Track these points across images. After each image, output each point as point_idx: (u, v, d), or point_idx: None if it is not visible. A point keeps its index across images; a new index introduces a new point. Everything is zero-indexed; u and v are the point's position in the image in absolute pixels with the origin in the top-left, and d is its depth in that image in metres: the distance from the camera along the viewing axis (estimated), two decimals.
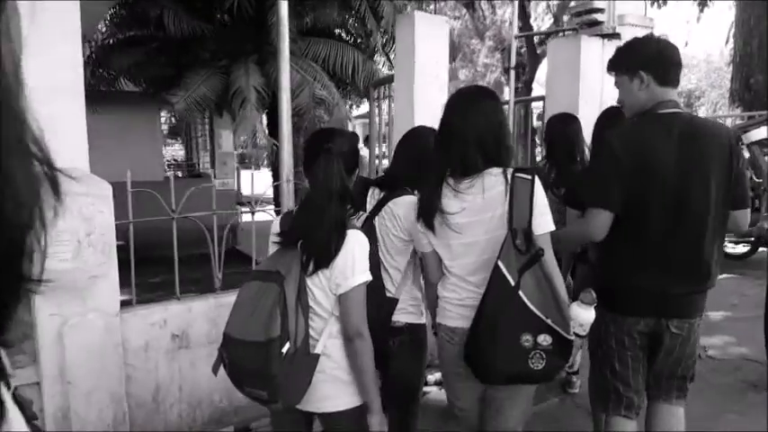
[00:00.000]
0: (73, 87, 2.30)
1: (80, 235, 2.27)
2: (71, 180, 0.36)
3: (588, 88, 3.84)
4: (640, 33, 4.80)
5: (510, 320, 1.44)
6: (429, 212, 1.60)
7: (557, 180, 2.75)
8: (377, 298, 1.74)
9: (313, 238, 1.44)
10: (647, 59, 1.68)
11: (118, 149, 8.45)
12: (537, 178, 1.52)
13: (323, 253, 1.43)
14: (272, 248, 1.58)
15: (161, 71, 6.39)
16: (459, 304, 1.62)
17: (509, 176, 1.51)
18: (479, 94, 1.63)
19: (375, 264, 1.72)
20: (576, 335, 1.57)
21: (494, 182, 1.53)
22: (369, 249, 1.48)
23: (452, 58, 17.14)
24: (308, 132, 6.32)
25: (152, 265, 3.29)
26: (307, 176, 1.52)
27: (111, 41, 6.60)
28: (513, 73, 5.68)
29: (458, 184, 1.56)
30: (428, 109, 3.41)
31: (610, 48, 4.23)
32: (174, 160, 17.13)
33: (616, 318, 1.77)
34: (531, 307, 1.44)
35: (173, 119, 12.04)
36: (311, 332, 1.46)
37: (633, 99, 1.73)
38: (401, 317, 1.85)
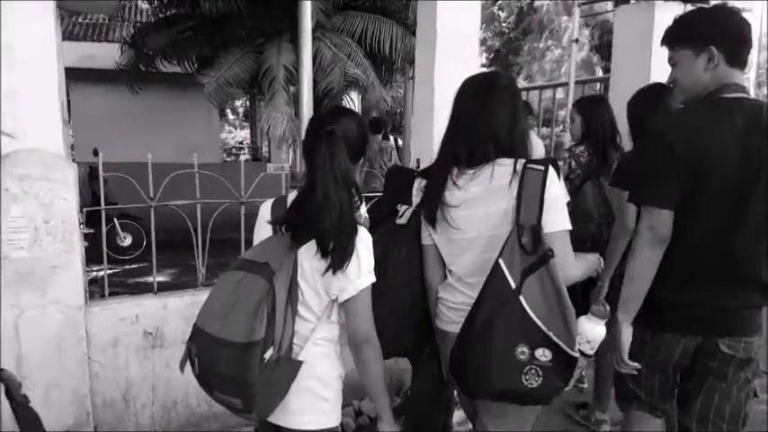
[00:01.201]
0: (42, 57, 2.15)
1: (37, 222, 2.15)
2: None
3: (663, 65, 3.27)
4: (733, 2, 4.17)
5: (505, 327, 1.34)
6: (430, 204, 1.53)
7: (600, 168, 2.53)
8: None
9: (335, 238, 1.30)
10: (721, 33, 1.49)
11: (174, 131, 8.71)
12: (552, 169, 1.40)
13: (346, 255, 1.31)
14: (259, 237, 1.46)
15: (197, 51, 6.36)
16: (453, 308, 1.56)
17: (519, 167, 1.41)
18: (492, 80, 1.55)
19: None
20: (582, 353, 1.45)
21: (502, 173, 1.44)
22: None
23: (540, 35, 16.42)
24: None
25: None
26: (306, 161, 1.38)
27: (152, 20, 6.65)
28: (575, 47, 5.15)
29: (462, 174, 1.49)
30: (451, 88, 3.03)
31: None
32: (240, 144, 17.53)
33: (648, 335, 1.60)
34: (532, 315, 1.34)
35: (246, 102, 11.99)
36: (295, 337, 1.36)
37: (695, 79, 1.53)
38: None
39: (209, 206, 2.62)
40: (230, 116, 20.62)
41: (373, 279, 1.37)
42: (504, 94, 1.50)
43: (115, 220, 6.63)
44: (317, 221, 1.30)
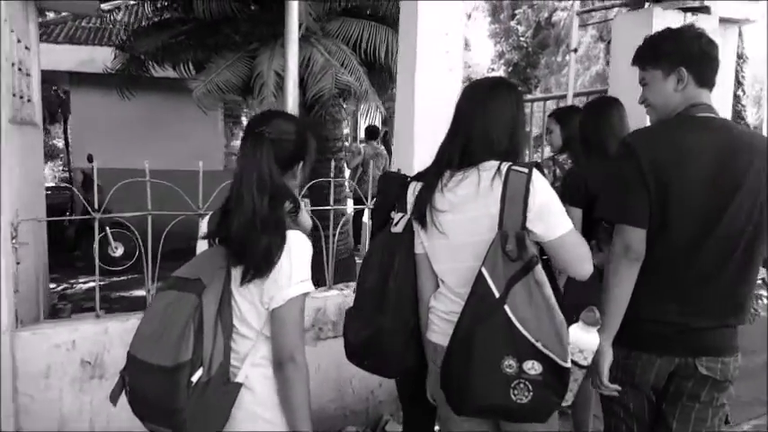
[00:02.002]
0: None
1: None
2: None
3: None
4: (736, 9, 3.90)
5: (490, 339, 1.31)
6: (420, 208, 1.51)
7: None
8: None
9: (245, 240, 1.26)
10: (691, 54, 1.54)
11: (176, 137, 8.57)
12: (536, 172, 1.39)
13: (262, 260, 1.26)
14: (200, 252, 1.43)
15: (191, 55, 6.22)
16: (444, 318, 1.52)
17: (503, 169, 1.40)
18: (494, 85, 1.56)
19: None
20: (576, 364, 1.42)
21: (488, 176, 1.42)
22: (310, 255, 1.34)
23: (557, 49, 16.30)
24: (327, 123, 5.87)
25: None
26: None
27: (145, 24, 6.53)
28: (573, 57, 4.89)
29: (452, 177, 1.47)
30: (433, 93, 2.82)
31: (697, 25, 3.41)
32: None
33: (629, 354, 1.57)
34: (518, 326, 1.31)
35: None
36: (233, 356, 1.30)
37: (664, 100, 1.58)
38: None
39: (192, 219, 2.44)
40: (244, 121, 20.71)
41: (308, 289, 1.31)
42: (503, 97, 1.50)
43: (107, 229, 6.50)
44: (228, 225, 1.27)
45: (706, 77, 1.56)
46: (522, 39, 17.14)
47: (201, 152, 4.72)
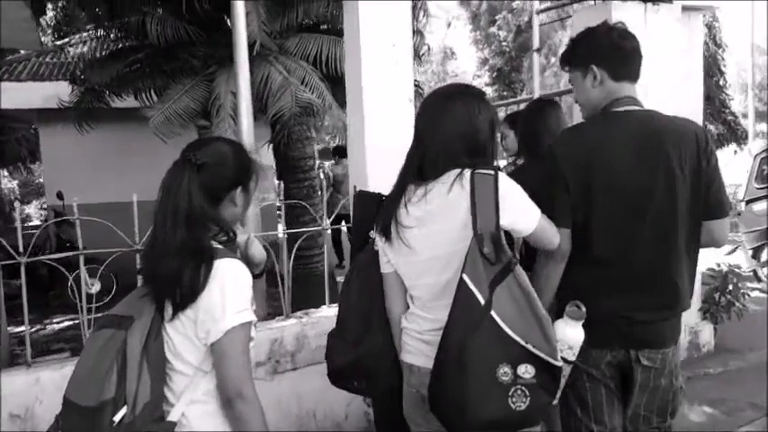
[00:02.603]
0: None
1: None
2: None
3: None
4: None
5: (482, 349, 1.28)
6: (384, 225, 1.49)
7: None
8: None
9: (163, 271, 1.23)
10: (599, 52, 1.61)
11: (150, 168, 8.21)
12: (501, 173, 1.40)
13: (181, 290, 1.21)
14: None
15: (148, 83, 6.09)
16: (418, 338, 1.50)
17: (466, 174, 1.38)
18: (456, 92, 1.52)
19: None
20: (565, 360, 1.42)
21: (451, 185, 1.40)
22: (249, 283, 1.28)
23: (538, 51, 16.44)
24: (294, 142, 5.76)
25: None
26: None
27: (99, 55, 6.39)
28: (536, 57, 4.87)
29: (416, 190, 1.45)
30: (382, 107, 2.72)
31: (657, 17, 3.37)
32: None
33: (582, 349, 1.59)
34: (507, 330, 1.30)
35: None
36: (168, 393, 1.26)
37: (586, 97, 1.66)
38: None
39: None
40: None
41: (246, 319, 1.24)
42: (461, 105, 1.45)
43: (81, 266, 6.26)
44: (155, 259, 1.26)
45: (621, 71, 1.59)
46: (503, 44, 17.31)
47: None
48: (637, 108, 1.58)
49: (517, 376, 1.28)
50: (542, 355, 1.30)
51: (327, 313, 2.79)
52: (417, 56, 6.42)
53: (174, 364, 1.26)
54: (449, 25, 18.00)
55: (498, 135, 2.14)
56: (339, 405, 2.58)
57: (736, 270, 4.24)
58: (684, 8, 3.62)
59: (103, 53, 6.29)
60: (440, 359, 1.34)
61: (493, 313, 1.29)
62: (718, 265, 4.24)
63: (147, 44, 5.89)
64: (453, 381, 1.30)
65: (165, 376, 1.26)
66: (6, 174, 16.56)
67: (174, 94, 5.50)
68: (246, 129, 3.81)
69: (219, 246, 1.29)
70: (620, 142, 1.53)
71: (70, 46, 7.04)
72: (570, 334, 1.46)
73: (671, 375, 1.63)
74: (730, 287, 4.13)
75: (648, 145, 1.51)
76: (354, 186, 2.64)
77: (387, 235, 1.49)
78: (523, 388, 1.29)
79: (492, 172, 1.38)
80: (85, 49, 6.57)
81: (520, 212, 1.42)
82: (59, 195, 6.69)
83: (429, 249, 1.44)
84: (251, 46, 4.28)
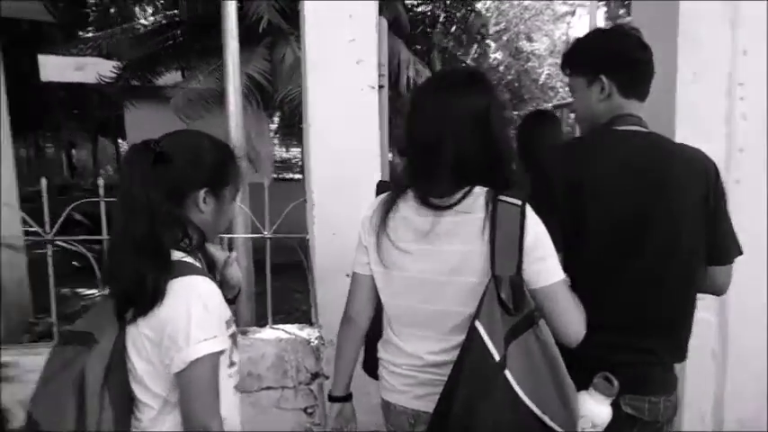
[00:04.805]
0: None
1: None
2: None
3: (703, 64, 2.27)
4: None
5: (492, 411, 1.11)
6: (377, 225, 1.30)
7: None
8: None
9: (122, 271, 1.13)
10: (613, 61, 1.45)
11: None
12: (528, 206, 1.18)
13: (134, 293, 1.11)
14: None
15: (182, 61, 6.07)
16: (396, 372, 1.32)
17: (487, 198, 1.18)
18: (461, 80, 1.26)
19: None
20: None
21: (471, 204, 1.19)
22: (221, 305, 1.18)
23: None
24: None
25: None
26: None
27: (138, 32, 6.47)
28: None
29: (418, 200, 1.23)
30: (329, 76, 2.29)
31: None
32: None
33: None
34: (523, 396, 1.13)
35: None
36: (135, 426, 1.19)
37: (587, 109, 1.50)
38: None
39: None
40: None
41: (214, 349, 1.13)
42: (474, 97, 1.20)
43: None
44: (112, 260, 1.19)
45: (632, 86, 1.44)
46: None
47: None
48: (642, 129, 1.43)
49: None
50: (558, 429, 1.16)
51: None
52: (473, 34, 5.88)
53: (137, 393, 1.18)
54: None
55: None
56: None
57: None
58: None
59: (141, 30, 6.37)
60: (441, 416, 1.16)
61: (507, 372, 1.13)
62: None
63: (181, 21, 5.86)
64: None
65: (133, 407, 1.19)
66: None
67: (198, 74, 5.41)
68: (235, 118, 3.49)
69: (185, 256, 1.18)
70: (620, 166, 1.38)
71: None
72: (596, 410, 1.29)
73: None
74: None
75: (652, 173, 1.37)
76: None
77: (377, 240, 1.30)
78: None
79: (518, 202, 1.17)
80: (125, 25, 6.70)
81: (536, 258, 1.18)
82: None
83: (422, 266, 1.24)
84: (257, 22, 3.99)
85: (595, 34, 1.57)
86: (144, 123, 7.65)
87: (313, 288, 2.33)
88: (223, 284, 1.33)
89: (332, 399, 1.45)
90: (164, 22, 6.28)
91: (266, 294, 2.49)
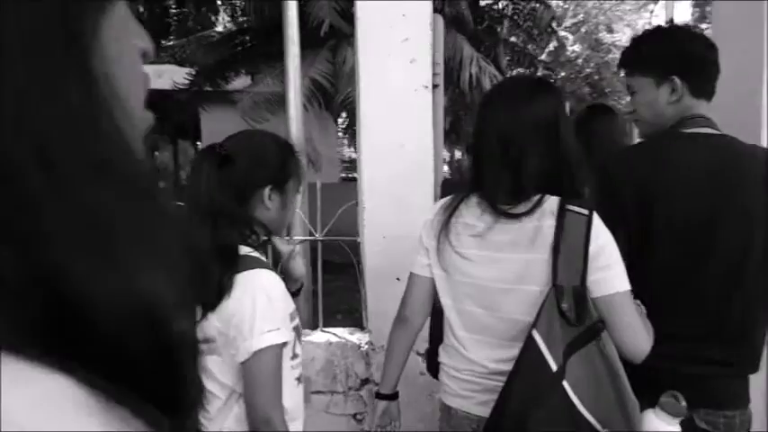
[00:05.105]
0: None
1: None
2: None
3: None
4: None
5: (546, 422, 1.11)
6: (440, 229, 1.30)
7: None
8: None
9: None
10: (686, 62, 1.40)
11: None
12: (597, 215, 1.18)
13: (201, 291, 1.12)
14: None
15: (251, 66, 6.26)
16: (457, 377, 1.32)
17: (554, 206, 1.18)
18: (528, 87, 1.29)
19: None
20: None
21: (537, 213, 1.19)
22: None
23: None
24: None
25: None
26: None
27: (211, 38, 6.76)
28: None
29: (482, 205, 1.25)
30: (382, 67, 2.25)
31: None
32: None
33: None
34: (581, 408, 1.11)
35: None
36: (204, 418, 1.19)
37: (655, 112, 1.44)
38: None
39: None
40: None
41: (278, 340, 1.15)
42: (541, 105, 1.22)
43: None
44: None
45: (703, 86, 1.41)
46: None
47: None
48: (713, 131, 1.39)
49: None
50: None
51: None
52: (542, 27, 5.67)
53: (207, 385, 1.19)
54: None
55: None
56: None
57: None
58: None
59: (213, 37, 6.64)
60: (494, 422, 1.17)
61: (565, 384, 1.12)
62: None
63: (250, 27, 6.05)
64: None
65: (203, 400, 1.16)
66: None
67: (266, 77, 5.56)
68: (295, 120, 3.53)
69: (252, 251, 1.21)
70: (692, 169, 1.35)
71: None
72: (662, 429, 1.21)
73: None
74: None
75: (723, 174, 1.34)
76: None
77: (439, 240, 1.31)
78: None
79: (586, 212, 1.17)
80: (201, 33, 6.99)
81: (599, 265, 1.16)
82: None
83: (480, 274, 1.25)
84: (318, 27, 4.03)
85: (663, 33, 1.52)
86: (218, 127, 7.98)
87: (364, 292, 2.30)
88: (287, 277, 1.35)
89: (378, 396, 1.46)
90: (234, 28, 6.50)
91: (325, 294, 2.50)
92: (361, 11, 2.18)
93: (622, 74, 1.57)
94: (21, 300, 0.24)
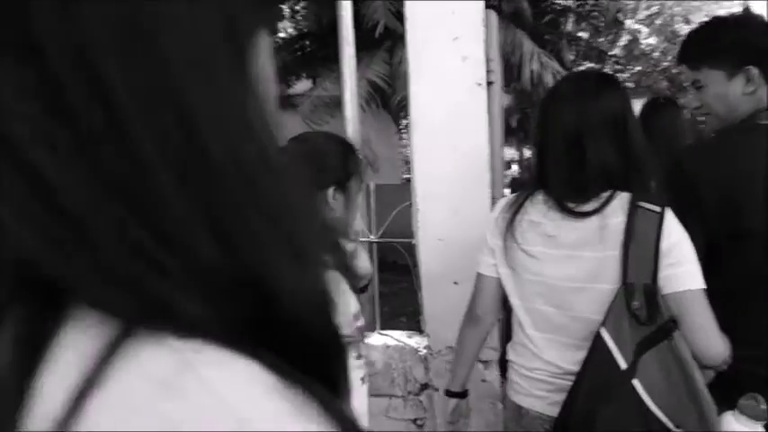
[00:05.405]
0: None
1: None
2: None
3: None
4: None
5: (615, 420, 1.12)
6: (506, 227, 1.31)
7: None
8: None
9: None
10: (760, 49, 1.33)
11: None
12: (669, 211, 1.17)
13: None
14: None
15: (311, 70, 6.39)
16: (528, 376, 1.31)
17: (624, 202, 1.17)
18: (593, 82, 1.28)
19: None
20: None
21: (608, 210, 1.19)
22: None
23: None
24: None
25: None
26: None
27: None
28: None
29: (549, 202, 1.24)
30: (433, 66, 2.23)
31: None
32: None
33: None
34: (652, 406, 1.11)
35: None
36: None
37: (730, 106, 1.37)
38: None
39: None
40: None
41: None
42: (607, 99, 1.21)
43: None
44: None
45: None
46: None
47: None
48: None
49: None
50: None
51: None
52: (608, 20, 5.44)
53: None
54: None
55: None
56: None
57: None
58: None
59: (276, 41, 6.82)
60: (563, 419, 1.18)
61: (636, 383, 1.11)
62: None
63: (309, 32, 6.17)
64: None
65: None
66: None
67: (325, 81, 5.65)
68: (352, 123, 3.58)
69: None
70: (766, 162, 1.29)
71: None
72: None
73: None
74: None
75: None
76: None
77: (505, 239, 1.31)
78: None
79: (657, 208, 1.14)
80: None
81: (671, 262, 1.14)
82: None
83: (548, 273, 1.24)
84: (373, 28, 4.05)
85: (731, 21, 1.47)
86: (284, 130, 8.23)
87: (420, 295, 2.28)
88: (352, 275, 1.35)
89: (448, 393, 1.47)
90: (295, 33, 6.66)
91: (390, 295, 2.50)
92: (410, 10, 2.17)
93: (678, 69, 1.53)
94: (230, 298, 0.26)
